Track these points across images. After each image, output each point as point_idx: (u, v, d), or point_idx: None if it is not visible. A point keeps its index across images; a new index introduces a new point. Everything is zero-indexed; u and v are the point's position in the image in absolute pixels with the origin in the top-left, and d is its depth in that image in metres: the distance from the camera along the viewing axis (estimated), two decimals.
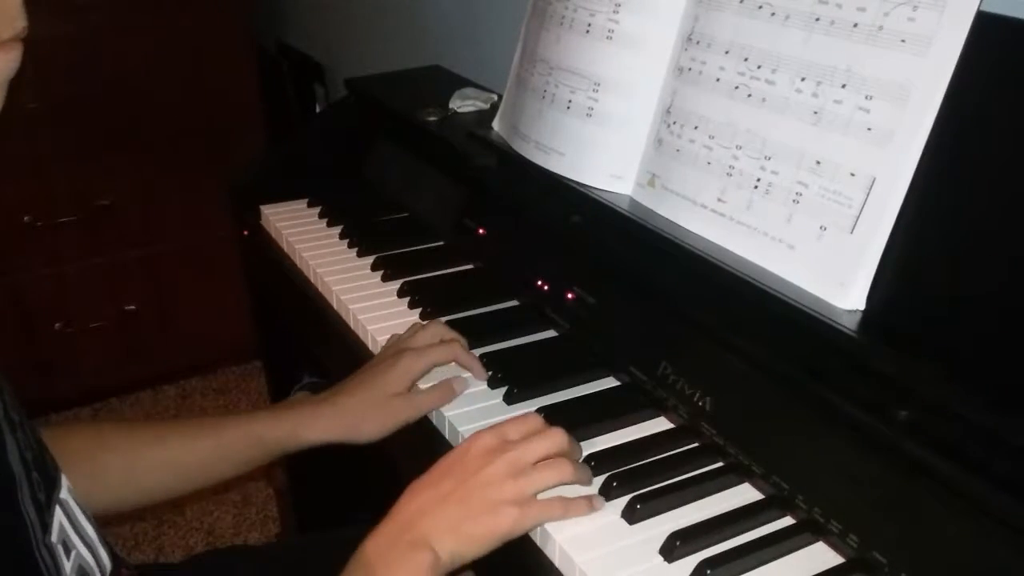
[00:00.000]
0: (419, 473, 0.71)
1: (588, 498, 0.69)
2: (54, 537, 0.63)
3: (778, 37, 0.77)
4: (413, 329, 0.91)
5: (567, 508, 0.68)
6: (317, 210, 1.27)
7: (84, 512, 0.69)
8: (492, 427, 0.70)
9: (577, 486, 0.71)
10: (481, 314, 1.00)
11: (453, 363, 0.88)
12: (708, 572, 0.62)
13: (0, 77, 0.51)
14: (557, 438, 0.70)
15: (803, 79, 0.74)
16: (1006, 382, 0.60)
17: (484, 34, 1.50)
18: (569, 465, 0.69)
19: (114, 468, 0.86)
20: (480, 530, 0.66)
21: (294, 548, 1.15)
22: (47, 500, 0.63)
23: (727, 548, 0.65)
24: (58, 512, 0.65)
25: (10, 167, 1.99)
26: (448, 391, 0.84)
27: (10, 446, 0.61)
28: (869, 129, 0.70)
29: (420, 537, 0.65)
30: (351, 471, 0.89)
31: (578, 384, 0.86)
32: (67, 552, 0.64)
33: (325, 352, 1.17)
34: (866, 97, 0.70)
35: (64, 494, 0.67)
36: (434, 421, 0.85)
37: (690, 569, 0.63)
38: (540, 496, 0.68)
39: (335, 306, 1.06)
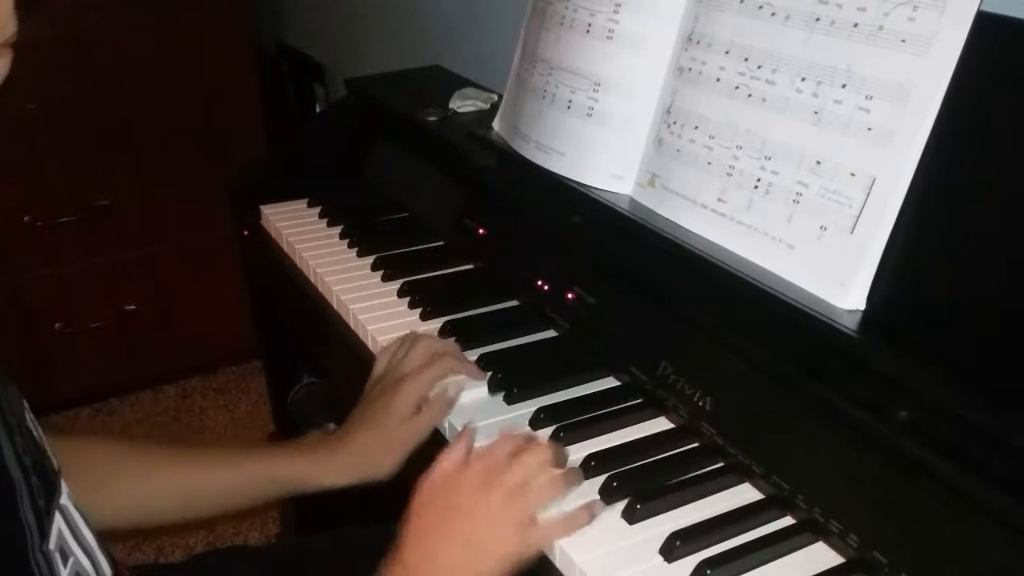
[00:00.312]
0: (419, 474, 0.70)
1: (586, 507, 0.68)
2: (52, 544, 0.62)
3: (778, 37, 0.77)
4: (404, 348, 0.90)
5: (569, 524, 0.68)
6: (317, 210, 1.27)
7: (84, 518, 0.68)
8: (478, 456, 0.70)
9: (577, 491, 0.71)
10: (481, 314, 1.00)
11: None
12: (708, 572, 0.62)
13: None
14: (544, 451, 0.69)
15: (803, 79, 0.74)
16: (1006, 382, 0.60)
17: (484, 34, 1.50)
18: (560, 479, 0.69)
19: (127, 490, 0.86)
20: (488, 565, 0.66)
21: (294, 548, 1.14)
22: (47, 506, 0.63)
23: (727, 548, 0.65)
24: (57, 518, 0.64)
25: (10, 167, 1.99)
26: (445, 405, 0.84)
27: (7, 451, 0.60)
28: (869, 129, 0.70)
29: None
30: None
31: (578, 384, 0.86)
32: (64, 559, 0.63)
33: (325, 352, 1.17)
34: (866, 97, 0.70)
35: (64, 500, 0.66)
36: None
37: (690, 569, 0.63)
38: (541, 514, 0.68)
39: (335, 306, 1.06)
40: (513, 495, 0.67)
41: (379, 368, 0.91)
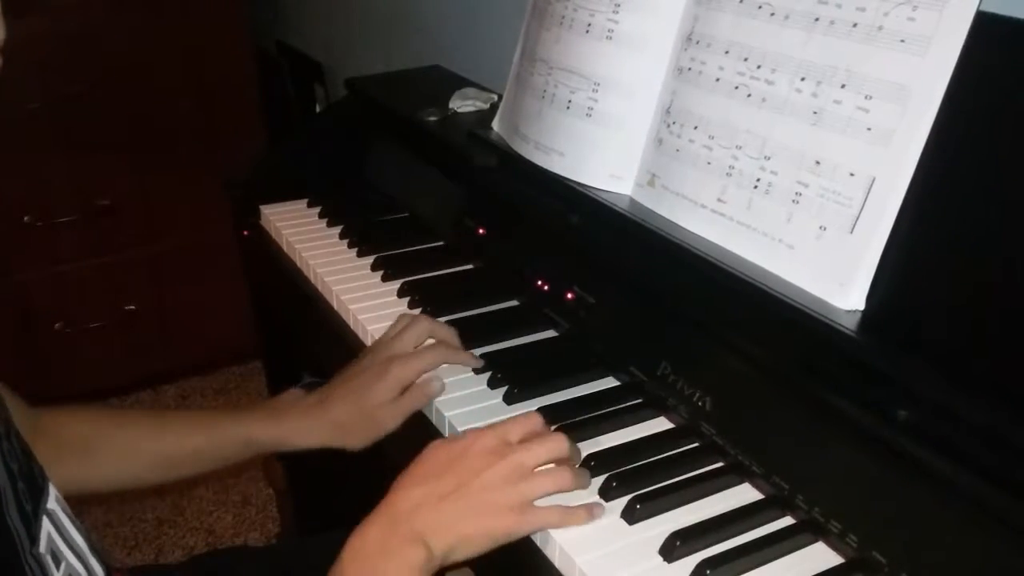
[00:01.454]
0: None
1: (587, 507, 0.68)
2: (42, 548, 0.62)
3: (778, 37, 0.77)
4: (400, 324, 0.90)
5: (565, 517, 0.67)
6: (317, 210, 1.27)
7: (73, 521, 0.69)
8: (493, 426, 0.70)
9: (577, 490, 0.71)
10: (481, 314, 1.00)
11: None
12: (708, 572, 0.62)
13: None
14: (559, 443, 0.69)
15: (803, 79, 0.74)
16: (1006, 382, 0.60)
17: (484, 34, 1.50)
18: (569, 473, 0.69)
19: (111, 457, 0.88)
20: (477, 532, 0.65)
21: (294, 548, 1.15)
22: (34, 510, 0.63)
23: (727, 548, 0.65)
24: (45, 522, 0.64)
25: (10, 167, 1.99)
26: (421, 396, 0.85)
27: None
28: (869, 129, 0.70)
29: (415, 532, 0.64)
30: (351, 471, 0.89)
31: (578, 384, 0.86)
32: (56, 562, 0.64)
33: (325, 352, 1.17)
34: (866, 97, 0.70)
35: (52, 504, 0.66)
36: (434, 421, 0.85)
37: (690, 569, 0.63)
38: (539, 502, 0.68)
39: (335, 306, 1.06)
40: (518, 475, 0.67)
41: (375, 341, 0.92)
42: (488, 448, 0.68)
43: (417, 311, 1.00)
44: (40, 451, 0.75)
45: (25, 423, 0.76)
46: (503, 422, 0.71)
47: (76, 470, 0.76)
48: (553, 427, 0.78)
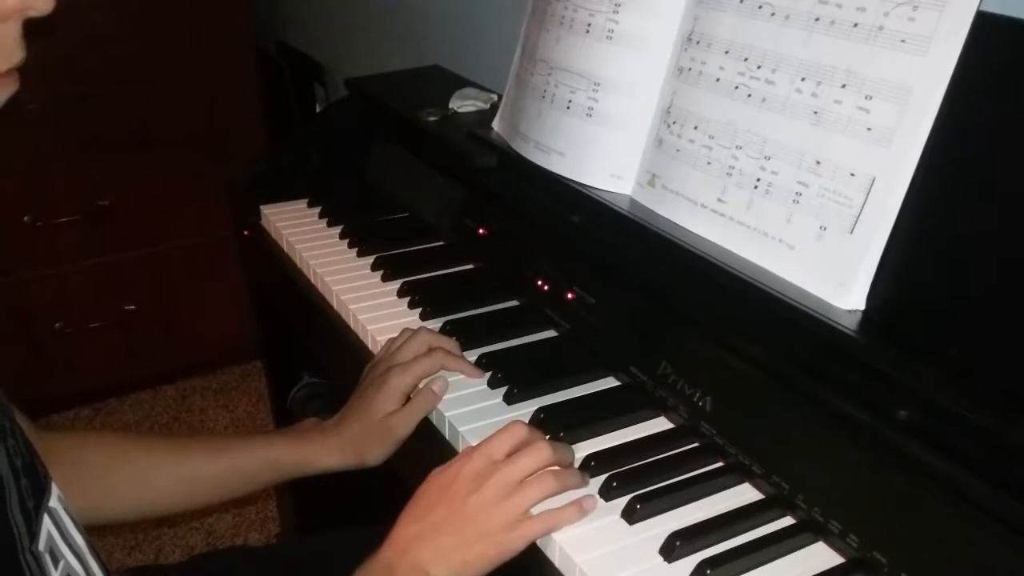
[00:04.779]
0: (419, 474, 0.71)
1: (576, 503, 0.69)
2: (41, 546, 0.62)
3: (778, 37, 0.77)
4: (402, 337, 0.91)
5: (557, 519, 0.68)
6: (317, 210, 1.27)
7: (74, 521, 0.69)
8: (479, 446, 0.71)
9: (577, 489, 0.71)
10: (481, 314, 1.00)
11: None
12: (708, 572, 0.62)
13: None
14: (542, 452, 0.70)
15: (803, 79, 0.74)
16: (1006, 382, 0.60)
17: (484, 34, 1.50)
18: (552, 478, 0.69)
19: (131, 482, 0.88)
20: (474, 557, 0.67)
21: (294, 548, 1.15)
22: (35, 508, 0.63)
23: (727, 548, 0.65)
24: (46, 520, 0.64)
25: (10, 167, 1.99)
26: (429, 397, 0.84)
27: None
28: (869, 129, 0.70)
29: (416, 565, 0.66)
30: (351, 472, 0.89)
31: (578, 384, 0.86)
32: (55, 561, 0.64)
33: (325, 352, 1.17)
34: (866, 97, 0.70)
35: (53, 502, 0.66)
36: (434, 422, 0.85)
37: (690, 569, 0.63)
38: (537, 508, 0.68)
39: (335, 306, 1.06)
40: (506, 492, 0.68)
41: (377, 356, 0.92)
42: (475, 471, 0.69)
43: (417, 311, 1.00)
44: (58, 476, 0.75)
45: (37, 444, 0.75)
46: (489, 439, 0.71)
47: (95, 495, 0.75)
48: (553, 429, 0.79)
